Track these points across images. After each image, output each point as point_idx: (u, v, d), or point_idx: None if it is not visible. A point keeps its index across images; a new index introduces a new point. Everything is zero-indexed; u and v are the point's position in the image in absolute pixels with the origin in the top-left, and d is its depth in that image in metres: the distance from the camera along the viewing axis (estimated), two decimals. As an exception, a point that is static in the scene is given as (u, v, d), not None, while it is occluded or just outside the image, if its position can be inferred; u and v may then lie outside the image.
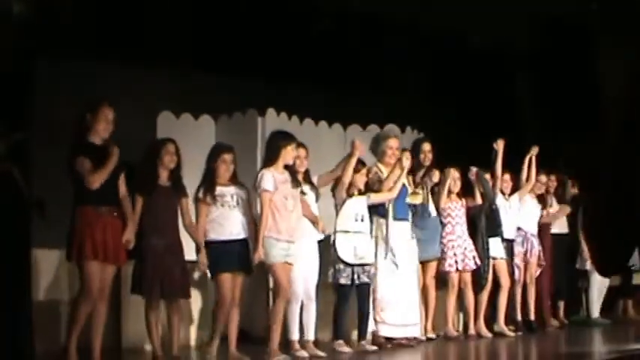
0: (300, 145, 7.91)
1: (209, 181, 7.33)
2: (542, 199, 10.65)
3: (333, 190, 8.23)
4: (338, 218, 8.15)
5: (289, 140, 7.59)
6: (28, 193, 6.28)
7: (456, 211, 9.43)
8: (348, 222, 8.13)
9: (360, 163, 8.31)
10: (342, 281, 8.05)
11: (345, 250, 8.05)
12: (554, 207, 10.85)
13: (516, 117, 10.80)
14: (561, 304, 11.06)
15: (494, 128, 9.91)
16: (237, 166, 7.52)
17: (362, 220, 8.20)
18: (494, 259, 9.66)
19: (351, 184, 8.17)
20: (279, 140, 7.59)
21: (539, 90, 10.70)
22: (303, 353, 7.65)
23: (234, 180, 7.42)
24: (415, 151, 9.06)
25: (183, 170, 7.38)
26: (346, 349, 8.01)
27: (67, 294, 8.09)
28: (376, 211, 8.42)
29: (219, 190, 7.30)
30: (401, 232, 8.65)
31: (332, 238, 8.15)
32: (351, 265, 8.06)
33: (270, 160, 7.54)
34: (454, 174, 9.43)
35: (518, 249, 10.20)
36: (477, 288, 9.55)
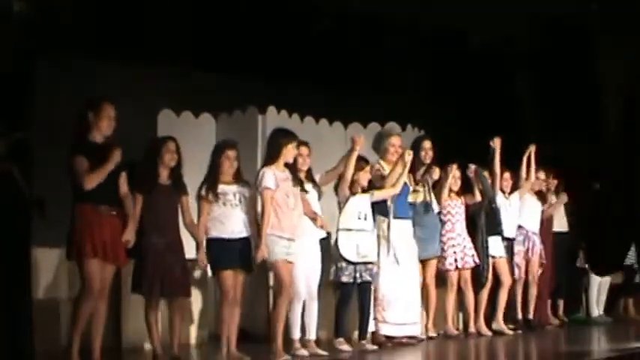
0: (302, 143, 7.89)
1: (212, 179, 7.29)
2: (541, 197, 10.63)
3: (336, 188, 8.22)
4: (341, 216, 8.15)
5: (290, 138, 7.55)
6: (28, 193, 6.28)
7: (456, 209, 9.44)
8: (351, 220, 8.12)
9: (363, 160, 8.31)
10: (345, 279, 8.05)
11: (348, 248, 8.05)
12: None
13: (516, 116, 10.79)
14: (561, 303, 11.07)
15: (494, 127, 9.90)
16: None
17: (365, 219, 8.19)
18: (494, 257, 9.66)
19: (354, 182, 8.16)
20: (280, 138, 7.56)
21: (539, 89, 10.69)
22: (304, 352, 7.65)
23: (237, 177, 7.38)
24: (416, 148, 9.04)
25: (184, 168, 7.36)
26: (347, 347, 8.01)
27: (67, 293, 8.08)
28: (378, 209, 8.41)
29: (221, 188, 7.26)
30: (402, 230, 8.65)
31: (334, 236, 8.15)
32: (354, 264, 8.07)
33: (271, 158, 7.50)
34: (456, 171, 9.43)
35: (519, 247, 10.19)
36: (477, 286, 9.56)
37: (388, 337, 8.49)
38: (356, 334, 8.39)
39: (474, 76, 11.08)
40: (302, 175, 7.86)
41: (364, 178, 8.25)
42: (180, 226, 7.30)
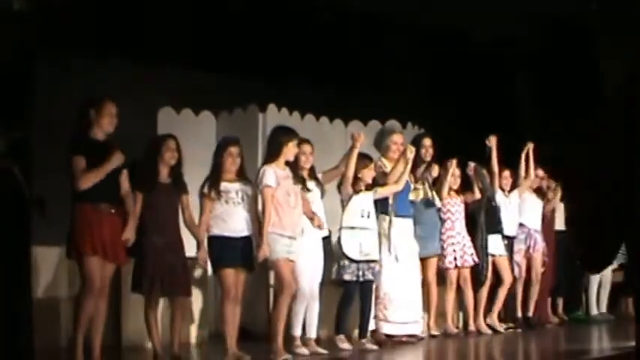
0: (305, 141, 7.88)
1: (215, 177, 7.26)
2: (541, 194, 10.61)
3: (340, 186, 8.21)
4: (344, 214, 8.14)
5: (291, 136, 7.54)
6: (28, 192, 6.27)
7: (455, 207, 9.44)
8: (354, 218, 8.12)
9: (367, 158, 8.30)
10: (347, 277, 8.05)
11: (351, 246, 8.04)
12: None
13: (516, 115, 10.79)
14: (560, 301, 11.07)
15: (494, 126, 9.90)
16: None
17: (368, 217, 8.19)
18: (494, 256, 9.67)
19: (359, 179, 8.15)
20: (280, 136, 7.55)
21: (538, 89, 10.69)
22: (304, 350, 7.65)
23: (240, 174, 7.35)
24: (416, 146, 9.04)
25: (184, 167, 7.35)
26: (347, 345, 8.01)
27: (66, 292, 8.07)
28: (379, 207, 8.40)
29: (224, 186, 7.23)
30: (403, 228, 8.65)
31: (337, 234, 8.15)
32: (356, 262, 8.06)
33: (271, 156, 7.50)
34: (455, 169, 9.42)
35: (520, 246, 10.19)
36: (477, 285, 9.56)
37: (389, 336, 8.49)
38: (356, 332, 8.40)
39: (474, 74, 11.08)
40: (305, 174, 7.85)
41: (368, 175, 8.24)
42: (180, 225, 7.30)
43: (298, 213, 7.53)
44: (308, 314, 7.78)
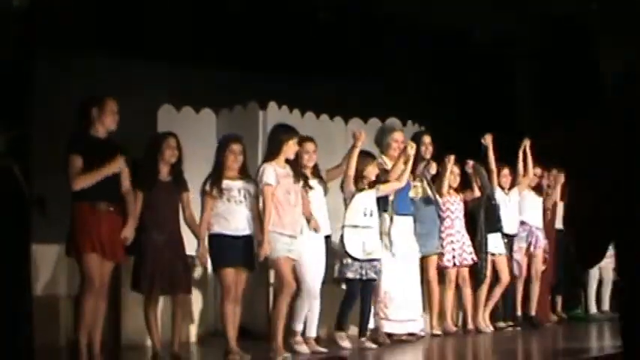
0: (308, 139, 7.88)
1: (217, 174, 7.24)
2: (540, 191, 10.59)
3: (342, 185, 8.20)
4: (347, 213, 8.13)
5: (291, 134, 7.54)
6: (28, 191, 6.26)
7: (455, 205, 9.44)
8: (357, 216, 8.11)
9: (370, 156, 8.28)
10: (350, 275, 8.04)
11: (354, 245, 8.04)
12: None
13: (517, 114, 10.79)
14: (559, 299, 11.06)
15: (494, 125, 9.89)
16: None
17: (371, 215, 8.18)
18: (493, 255, 9.66)
19: (362, 177, 8.13)
20: (280, 134, 7.54)
21: (538, 88, 10.69)
22: (304, 348, 7.65)
23: (242, 172, 7.33)
24: (415, 143, 9.05)
25: (184, 164, 7.34)
26: (347, 343, 8.00)
27: (66, 290, 8.06)
28: (380, 205, 8.39)
29: (226, 184, 7.21)
30: (403, 226, 8.64)
31: (339, 233, 8.13)
32: (359, 261, 8.06)
33: (271, 154, 7.49)
34: (454, 166, 9.42)
35: (521, 244, 10.18)
36: (476, 284, 9.56)
37: (388, 334, 8.48)
38: (355, 330, 8.39)
39: (474, 72, 11.07)
40: (308, 172, 7.84)
41: (372, 172, 8.22)
42: (181, 223, 7.28)
43: (299, 211, 7.53)
44: (308, 313, 7.78)
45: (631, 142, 2.41)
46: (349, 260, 8.03)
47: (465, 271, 9.45)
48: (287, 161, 7.52)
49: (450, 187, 9.40)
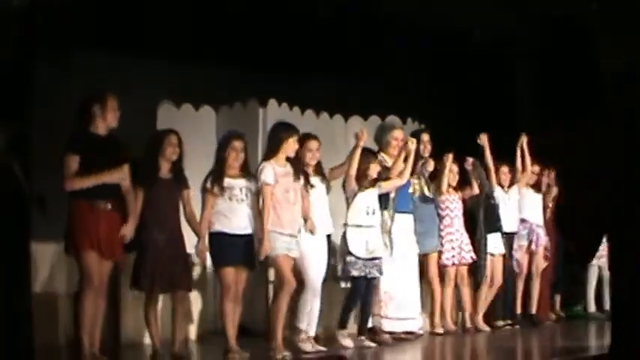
0: (311, 137, 7.85)
1: (218, 172, 7.19)
2: (539, 189, 10.58)
3: (344, 184, 8.18)
4: (349, 212, 8.12)
5: (291, 132, 7.50)
6: (28, 189, 6.24)
7: (454, 203, 9.43)
8: (359, 216, 8.10)
9: (372, 154, 8.26)
10: (355, 273, 8.03)
11: (357, 244, 8.03)
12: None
13: (517, 114, 10.79)
14: (558, 298, 11.07)
15: (494, 124, 9.89)
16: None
17: (373, 213, 8.17)
18: (492, 255, 9.66)
19: (365, 175, 8.12)
20: (280, 132, 7.51)
21: (538, 88, 10.70)
22: (308, 346, 7.62)
23: (244, 170, 7.29)
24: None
25: (184, 162, 7.30)
26: (349, 341, 7.99)
27: (65, 288, 8.02)
28: (381, 203, 8.37)
29: (227, 182, 7.16)
30: (403, 224, 8.63)
31: (341, 231, 8.11)
32: (362, 259, 8.05)
33: (271, 151, 7.47)
34: (453, 165, 9.41)
35: (522, 242, 10.17)
36: (475, 283, 9.57)
37: (388, 333, 8.47)
38: (354, 329, 8.38)
39: (474, 72, 11.07)
40: (310, 170, 7.81)
41: (375, 169, 8.21)
42: (181, 221, 7.24)
43: (298, 210, 7.50)
44: (309, 311, 7.78)
45: (631, 142, 2.41)
46: (353, 258, 8.02)
47: (464, 270, 9.45)
48: (288, 159, 7.49)
49: (449, 185, 9.40)
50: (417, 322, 8.72)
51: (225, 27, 9.75)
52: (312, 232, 7.70)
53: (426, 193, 9.08)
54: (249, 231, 7.21)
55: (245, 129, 8.64)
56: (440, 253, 9.27)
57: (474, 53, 10.72)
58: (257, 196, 7.34)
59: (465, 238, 9.39)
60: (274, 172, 7.35)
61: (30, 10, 6.21)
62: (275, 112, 9.33)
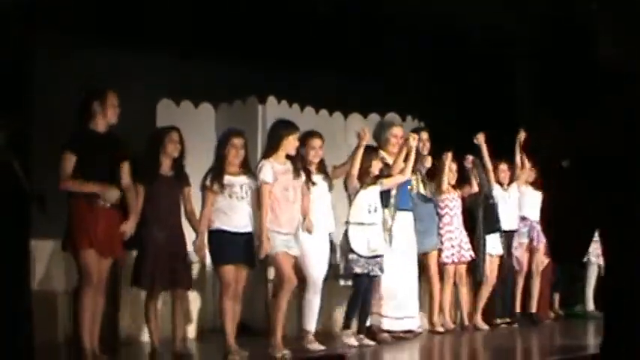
0: (315, 135, 7.83)
1: (218, 169, 7.16)
2: (538, 186, 10.57)
3: (345, 182, 8.17)
4: (351, 209, 8.10)
5: (291, 129, 7.47)
6: (28, 186, 6.23)
7: (453, 202, 9.43)
8: (361, 213, 8.08)
9: (374, 151, 8.25)
10: (358, 270, 8.02)
11: (359, 242, 8.01)
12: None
13: (517, 113, 10.77)
14: (556, 296, 11.06)
15: (494, 124, 9.87)
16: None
17: (375, 211, 8.15)
18: (491, 255, 9.65)
19: (368, 172, 8.11)
20: (280, 129, 7.48)
21: (538, 87, 10.68)
22: (317, 346, 7.59)
23: (244, 167, 7.25)
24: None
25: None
26: (354, 340, 7.98)
27: (64, 285, 8.00)
28: (382, 200, 8.36)
29: (227, 179, 7.12)
30: (403, 222, 8.62)
31: (343, 229, 8.10)
32: (364, 257, 8.04)
33: (271, 149, 7.43)
34: (452, 163, 9.41)
35: (522, 239, 10.17)
36: (474, 283, 9.57)
37: (387, 331, 8.45)
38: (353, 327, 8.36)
39: (474, 70, 11.06)
40: (313, 168, 7.78)
41: (376, 166, 8.20)
42: (182, 219, 7.23)
43: (297, 208, 7.47)
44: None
45: (631, 142, 2.41)
46: (355, 256, 8.00)
47: (463, 269, 9.45)
48: (288, 157, 7.46)
49: (448, 183, 9.39)
50: (416, 321, 8.70)
51: (225, 24, 9.73)
52: (309, 231, 7.64)
53: (422, 191, 9.03)
54: (249, 229, 7.18)
55: (244, 126, 8.65)
56: (440, 251, 9.26)
57: (473, 53, 10.70)
58: (257, 193, 7.31)
59: (465, 237, 9.39)
60: (273, 170, 7.32)
61: (30, 7, 6.21)
62: (274, 109, 9.33)
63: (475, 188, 9.58)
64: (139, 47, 9.14)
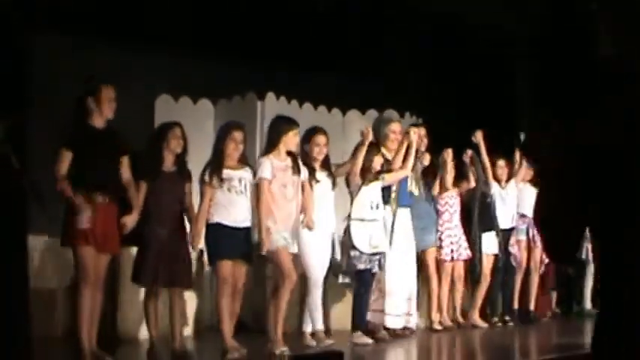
0: (320, 131, 7.79)
1: (216, 163, 7.09)
2: (536, 183, 10.58)
3: (347, 179, 8.15)
4: (353, 206, 8.08)
5: (291, 126, 7.42)
6: (26, 181, 6.21)
7: (453, 199, 9.43)
8: (363, 210, 8.06)
9: (375, 147, 8.24)
10: (361, 266, 7.99)
11: (361, 239, 7.99)
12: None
13: (517, 113, 10.78)
14: (554, 295, 11.07)
15: (494, 124, 9.88)
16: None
17: (377, 208, 8.13)
18: (486, 254, 9.66)
19: (370, 169, 8.08)
20: (280, 125, 7.43)
21: (538, 86, 10.69)
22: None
23: (242, 161, 7.20)
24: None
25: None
26: (367, 339, 7.94)
27: (62, 281, 7.99)
28: (383, 197, 8.34)
29: (226, 173, 7.06)
30: (402, 219, 8.61)
31: (344, 226, 8.07)
32: (366, 254, 8.02)
33: (271, 145, 7.38)
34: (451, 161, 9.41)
35: (520, 236, 10.16)
36: (471, 281, 9.57)
37: (386, 329, 8.43)
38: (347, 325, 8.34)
39: (474, 70, 11.06)
40: (317, 165, 7.75)
41: (378, 162, 8.18)
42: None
43: (295, 206, 7.40)
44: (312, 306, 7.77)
45: (631, 142, 2.42)
46: (357, 252, 7.98)
47: (461, 268, 9.44)
48: (289, 153, 7.42)
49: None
50: (413, 318, 8.69)
51: (225, 21, 9.73)
52: (309, 228, 7.57)
53: (414, 190, 8.96)
54: (247, 224, 7.13)
55: (243, 122, 8.65)
56: (439, 248, 9.25)
57: (473, 53, 10.70)
58: (255, 189, 7.26)
59: (462, 234, 9.40)
60: (272, 166, 7.26)
61: (30, 3, 6.19)
62: (273, 105, 9.32)
63: (472, 183, 9.57)
64: (138, 44, 9.14)
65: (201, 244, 7.26)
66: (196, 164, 7.35)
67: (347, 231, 8.04)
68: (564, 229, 2.50)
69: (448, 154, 9.24)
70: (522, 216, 10.21)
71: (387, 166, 8.38)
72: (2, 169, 6.01)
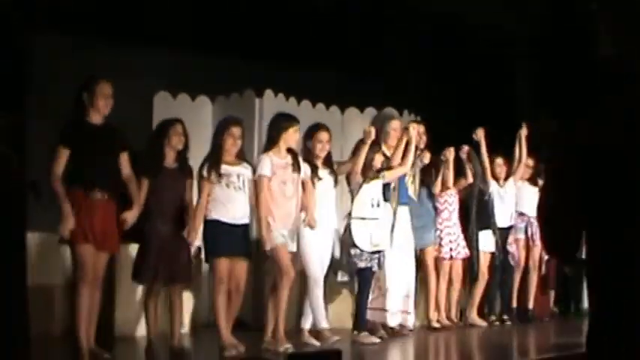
0: (322, 128, 7.76)
1: (214, 158, 7.06)
2: (535, 182, 10.56)
3: (347, 177, 8.13)
4: (354, 204, 8.05)
5: (292, 122, 7.40)
6: (25, 178, 6.19)
7: (452, 197, 9.42)
8: (364, 208, 8.03)
9: (375, 144, 8.22)
10: (362, 265, 7.96)
11: (362, 237, 7.96)
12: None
13: (517, 113, 10.79)
14: (552, 294, 11.06)
15: (494, 123, 9.87)
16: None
17: (378, 206, 8.10)
18: (483, 252, 9.65)
19: (371, 166, 8.06)
20: (280, 122, 7.40)
21: (538, 86, 10.70)
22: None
23: (240, 157, 7.17)
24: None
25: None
26: (374, 339, 7.92)
27: (60, 278, 7.97)
28: (384, 195, 8.31)
29: (224, 168, 7.03)
30: (401, 217, 8.60)
31: (345, 224, 8.05)
32: (367, 252, 7.99)
33: (271, 142, 7.36)
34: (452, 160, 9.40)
35: (518, 235, 10.15)
36: (469, 280, 9.56)
37: (384, 326, 8.41)
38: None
39: (474, 70, 11.07)
40: (319, 162, 7.72)
41: (378, 160, 8.17)
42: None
43: (294, 204, 7.37)
44: (306, 304, 7.75)
45: (631, 142, 2.42)
46: (358, 251, 7.95)
47: (459, 266, 9.44)
48: (289, 150, 7.39)
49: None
50: (411, 317, 8.69)
51: (223, 18, 9.72)
52: (311, 226, 7.53)
53: (410, 191, 8.92)
54: (246, 220, 7.11)
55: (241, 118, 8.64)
56: (438, 246, 9.25)
57: (473, 53, 10.70)
58: (254, 186, 7.22)
59: (461, 232, 9.39)
60: (272, 163, 7.24)
61: (30, 3, 6.18)
62: (271, 102, 9.29)
63: (470, 180, 9.55)
64: (137, 40, 9.13)
65: (199, 241, 7.21)
66: (195, 161, 7.32)
67: (347, 229, 8.01)
68: (564, 228, 2.51)
69: (450, 153, 9.23)
70: (521, 214, 10.20)
71: (387, 163, 8.37)
72: (2, 169, 6.00)
